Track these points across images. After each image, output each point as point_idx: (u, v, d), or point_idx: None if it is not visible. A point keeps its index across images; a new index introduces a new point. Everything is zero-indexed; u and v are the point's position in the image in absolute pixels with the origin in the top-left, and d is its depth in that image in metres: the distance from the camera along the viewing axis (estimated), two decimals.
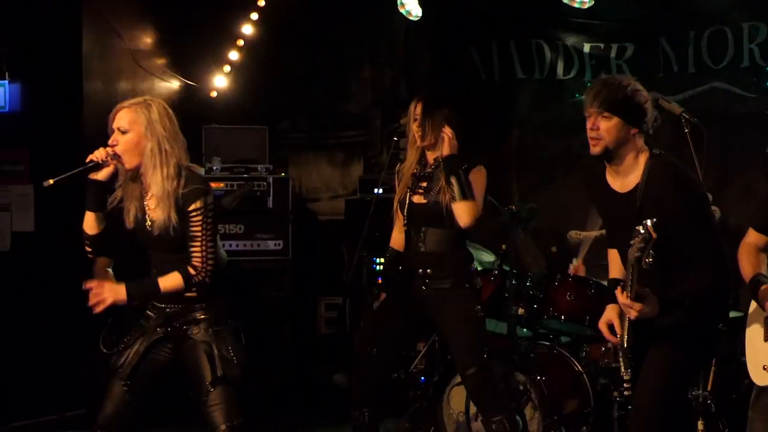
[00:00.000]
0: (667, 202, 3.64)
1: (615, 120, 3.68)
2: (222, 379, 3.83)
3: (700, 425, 4.80)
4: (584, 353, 5.52)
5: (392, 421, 5.87)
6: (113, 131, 3.85)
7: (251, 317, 6.40)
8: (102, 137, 3.91)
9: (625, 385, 3.67)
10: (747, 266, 3.76)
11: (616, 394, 4.99)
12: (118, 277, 4.66)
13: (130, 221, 3.90)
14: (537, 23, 7.06)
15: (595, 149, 3.74)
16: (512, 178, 7.18)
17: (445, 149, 4.56)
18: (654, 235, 3.38)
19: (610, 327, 3.76)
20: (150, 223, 3.87)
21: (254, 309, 6.65)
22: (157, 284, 3.83)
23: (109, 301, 3.80)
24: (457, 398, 5.22)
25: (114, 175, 3.90)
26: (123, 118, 3.84)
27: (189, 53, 7.42)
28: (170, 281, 3.82)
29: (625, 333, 3.64)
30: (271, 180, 6.98)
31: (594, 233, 6.21)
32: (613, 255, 3.95)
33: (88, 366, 5.63)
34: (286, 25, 7.31)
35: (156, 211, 3.83)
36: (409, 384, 6.05)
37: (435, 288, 4.62)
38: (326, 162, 7.86)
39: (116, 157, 3.84)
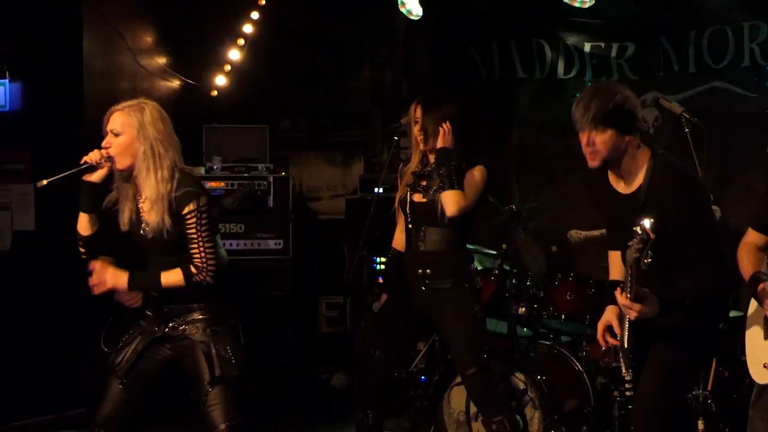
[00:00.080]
0: (668, 202, 3.64)
1: (609, 132, 3.64)
2: (220, 378, 3.83)
3: (700, 425, 4.80)
4: (584, 352, 5.52)
5: (393, 421, 5.87)
6: (107, 133, 3.87)
7: (251, 317, 6.43)
8: (102, 137, 3.92)
9: (626, 385, 3.67)
10: (747, 265, 3.76)
11: (616, 393, 5.00)
12: None
13: (124, 223, 3.91)
14: (537, 22, 7.05)
15: (594, 162, 3.71)
16: (512, 178, 7.18)
17: (439, 142, 4.57)
18: (652, 236, 3.37)
19: (609, 328, 3.76)
20: (144, 226, 3.87)
21: (255, 308, 6.65)
22: (158, 277, 3.84)
23: (108, 285, 3.84)
24: (457, 398, 5.22)
25: (109, 177, 3.91)
26: (116, 120, 3.86)
27: (189, 53, 7.42)
28: (172, 276, 3.82)
29: (625, 334, 3.63)
30: (271, 179, 6.98)
31: (595, 233, 6.22)
32: (614, 257, 3.95)
33: (88, 365, 5.63)
34: (287, 24, 7.30)
35: (150, 214, 3.84)
36: (410, 383, 6.05)
37: (435, 288, 4.62)
38: (327, 161, 7.86)
39: (110, 159, 3.85)
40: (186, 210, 3.80)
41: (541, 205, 6.03)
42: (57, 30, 6.52)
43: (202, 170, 6.90)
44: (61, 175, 3.86)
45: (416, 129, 4.67)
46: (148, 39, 7.17)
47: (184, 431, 5.76)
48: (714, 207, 4.33)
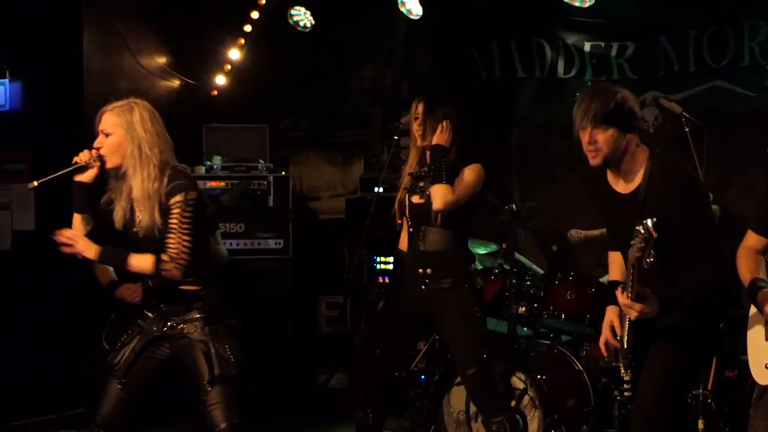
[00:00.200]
0: (667, 201, 3.64)
1: (611, 131, 3.68)
2: (220, 377, 3.83)
3: (700, 424, 4.80)
4: (584, 352, 5.52)
5: (393, 420, 5.86)
6: (99, 133, 3.89)
7: (252, 316, 6.45)
8: None
9: (625, 386, 3.68)
10: (745, 272, 3.74)
11: (616, 392, 4.99)
12: (118, 278, 4.67)
13: (118, 222, 3.91)
14: (537, 22, 7.06)
15: (595, 161, 3.74)
16: (512, 178, 7.18)
17: (435, 138, 4.57)
18: (654, 235, 3.38)
19: (613, 330, 3.76)
20: (137, 224, 3.87)
21: (255, 308, 6.65)
22: (127, 257, 3.84)
23: (77, 248, 3.83)
24: (457, 397, 5.22)
25: (102, 177, 3.91)
26: (106, 120, 3.88)
27: (189, 53, 7.42)
28: (141, 260, 3.82)
29: (625, 334, 3.64)
30: (271, 179, 6.98)
31: (595, 233, 6.22)
32: (613, 257, 3.95)
33: (88, 365, 5.64)
34: (287, 24, 7.30)
35: (141, 213, 3.84)
36: (410, 383, 6.04)
37: (435, 288, 4.61)
38: (327, 161, 7.86)
39: (100, 158, 3.87)
40: (173, 201, 3.81)
41: (541, 204, 6.03)
42: (57, 30, 6.52)
43: (202, 170, 6.90)
44: (52, 176, 3.88)
45: (416, 125, 4.67)
46: (148, 39, 7.17)
47: (184, 431, 5.76)
48: (714, 206, 4.33)
